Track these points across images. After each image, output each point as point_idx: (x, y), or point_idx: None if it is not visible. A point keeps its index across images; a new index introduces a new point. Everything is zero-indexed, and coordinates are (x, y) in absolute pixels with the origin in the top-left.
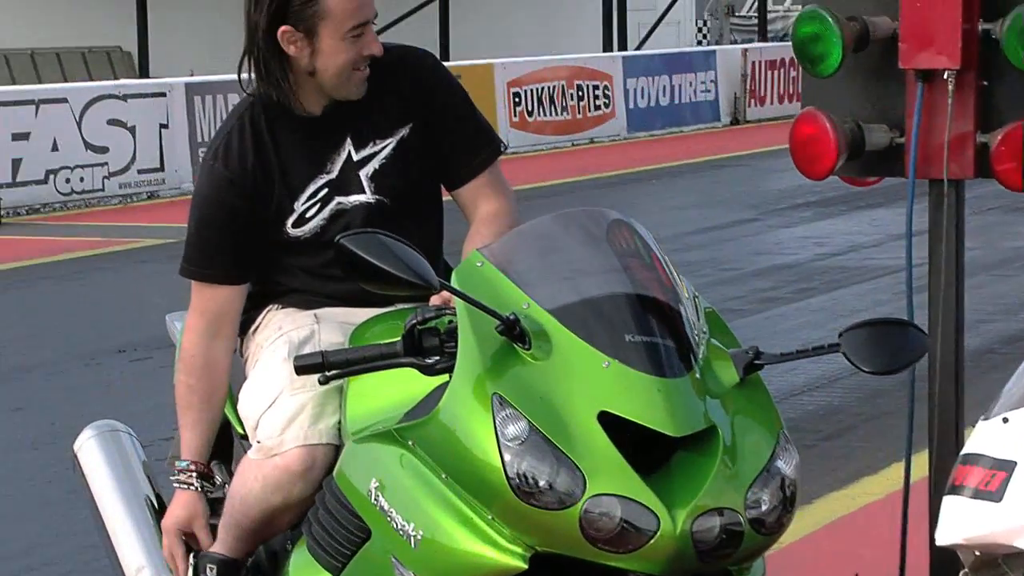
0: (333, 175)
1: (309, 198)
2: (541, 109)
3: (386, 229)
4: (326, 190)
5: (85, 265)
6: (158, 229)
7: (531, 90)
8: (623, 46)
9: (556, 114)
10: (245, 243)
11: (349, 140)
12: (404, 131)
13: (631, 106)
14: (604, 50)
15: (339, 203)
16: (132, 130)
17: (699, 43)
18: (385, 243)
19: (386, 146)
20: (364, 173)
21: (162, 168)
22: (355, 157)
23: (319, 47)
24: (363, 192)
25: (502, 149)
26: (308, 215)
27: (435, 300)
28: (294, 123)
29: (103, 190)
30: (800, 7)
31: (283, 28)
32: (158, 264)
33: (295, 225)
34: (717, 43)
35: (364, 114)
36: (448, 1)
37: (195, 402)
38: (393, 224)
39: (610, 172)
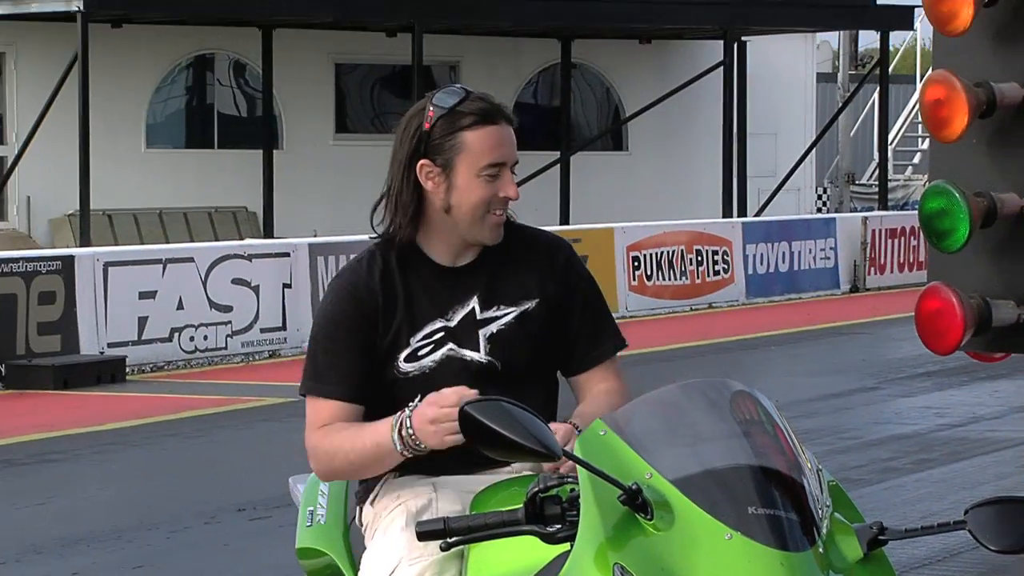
0: (452, 324)
1: (425, 337)
2: (660, 273)
3: (494, 392)
4: (442, 334)
5: (207, 423)
6: (280, 388)
7: (651, 254)
8: (743, 212)
9: (675, 278)
10: (361, 362)
11: (476, 298)
12: (529, 304)
13: (750, 272)
14: (724, 215)
15: (451, 350)
16: (256, 289)
17: (819, 210)
18: (508, 410)
19: (509, 313)
20: (483, 333)
21: (284, 327)
22: (478, 316)
23: (455, 182)
24: (478, 351)
25: (624, 345)
26: (420, 353)
27: (548, 467)
28: (424, 267)
29: (226, 348)
30: (921, 176)
31: (422, 161)
32: (279, 423)
33: (407, 360)
34: (837, 210)
35: (495, 277)
36: (569, 166)
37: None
38: (501, 388)
39: (729, 337)
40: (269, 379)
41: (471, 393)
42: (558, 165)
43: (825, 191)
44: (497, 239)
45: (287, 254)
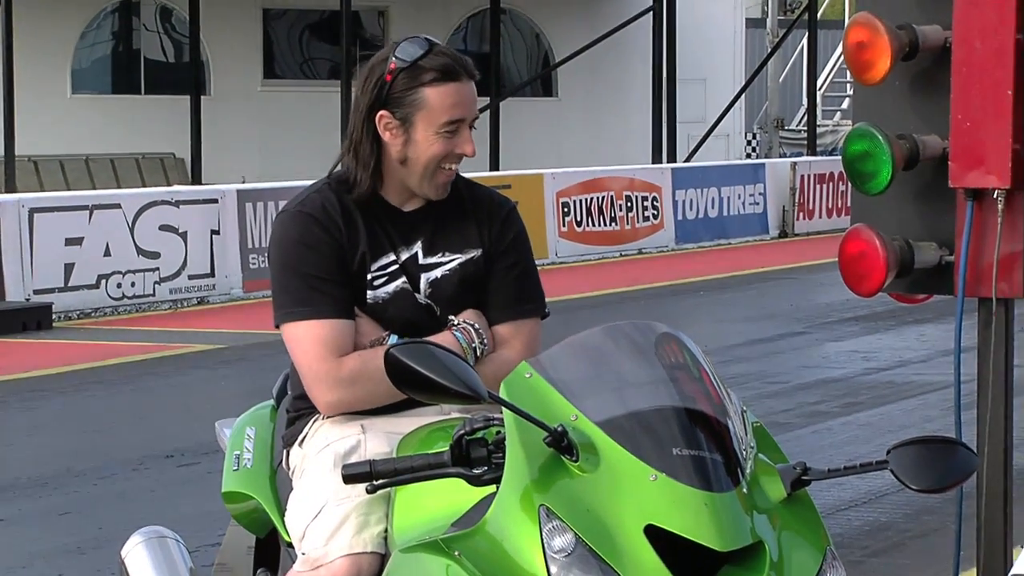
0: (399, 263)
1: (380, 268)
2: (590, 219)
3: (431, 333)
4: (396, 267)
5: (135, 370)
6: (208, 335)
7: (580, 200)
8: (672, 158)
9: (605, 224)
10: (342, 284)
11: (420, 244)
12: (473, 254)
13: (680, 218)
14: (653, 162)
15: (404, 283)
16: (184, 236)
17: (748, 156)
18: (434, 353)
19: (453, 260)
20: (426, 277)
21: (212, 274)
22: (421, 260)
23: (413, 136)
24: (419, 292)
25: (543, 313)
26: (376, 283)
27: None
28: (377, 205)
29: (154, 295)
30: (849, 122)
31: (381, 112)
32: (207, 370)
33: (368, 287)
34: (766, 156)
35: (439, 225)
36: (499, 112)
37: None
38: (438, 330)
39: (658, 283)
40: (197, 326)
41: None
42: (487, 111)
43: (754, 137)
44: (442, 195)
45: (215, 200)
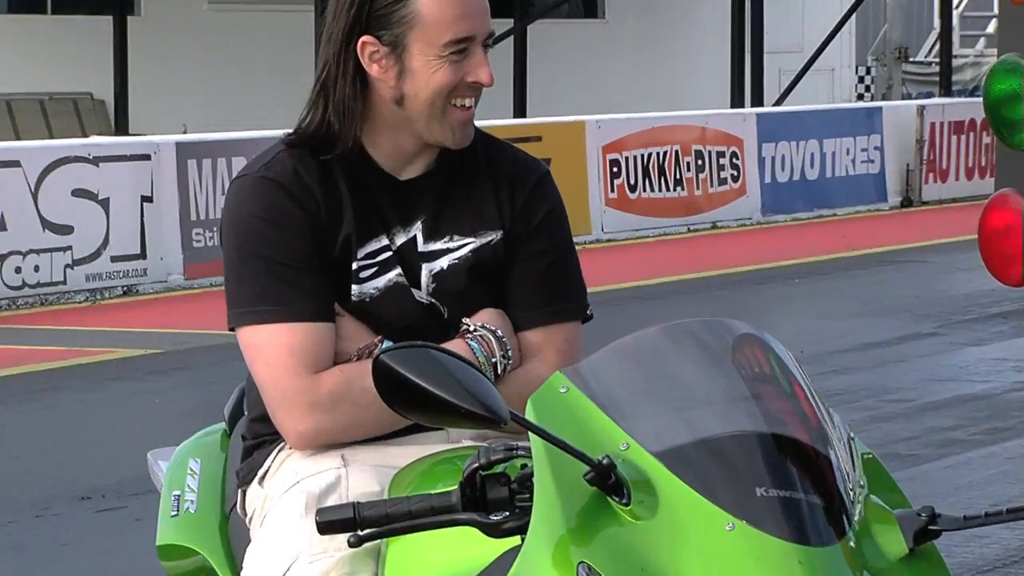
0: (392, 249)
1: (368, 256)
2: (648, 183)
3: (436, 340)
4: (389, 254)
5: (40, 383)
6: (137, 336)
7: (634, 157)
8: (758, 100)
9: (667, 190)
10: (319, 274)
11: (420, 224)
12: (490, 237)
13: (767, 180)
14: (733, 105)
15: (400, 276)
16: (104, 204)
17: (860, 97)
18: (438, 359)
19: (464, 246)
20: (428, 268)
21: (143, 255)
22: (420, 247)
23: (408, 65)
24: (419, 287)
25: (585, 314)
26: (362, 275)
27: None
28: (366, 170)
29: (65, 283)
30: (995, 52)
31: (363, 38)
32: (137, 382)
33: (352, 280)
34: (884, 97)
35: (446, 199)
36: (526, 39)
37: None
38: (445, 336)
39: (737, 268)
40: (122, 324)
41: None
42: (511, 37)
43: (868, 71)
44: (465, 141)
45: (147, 156)
